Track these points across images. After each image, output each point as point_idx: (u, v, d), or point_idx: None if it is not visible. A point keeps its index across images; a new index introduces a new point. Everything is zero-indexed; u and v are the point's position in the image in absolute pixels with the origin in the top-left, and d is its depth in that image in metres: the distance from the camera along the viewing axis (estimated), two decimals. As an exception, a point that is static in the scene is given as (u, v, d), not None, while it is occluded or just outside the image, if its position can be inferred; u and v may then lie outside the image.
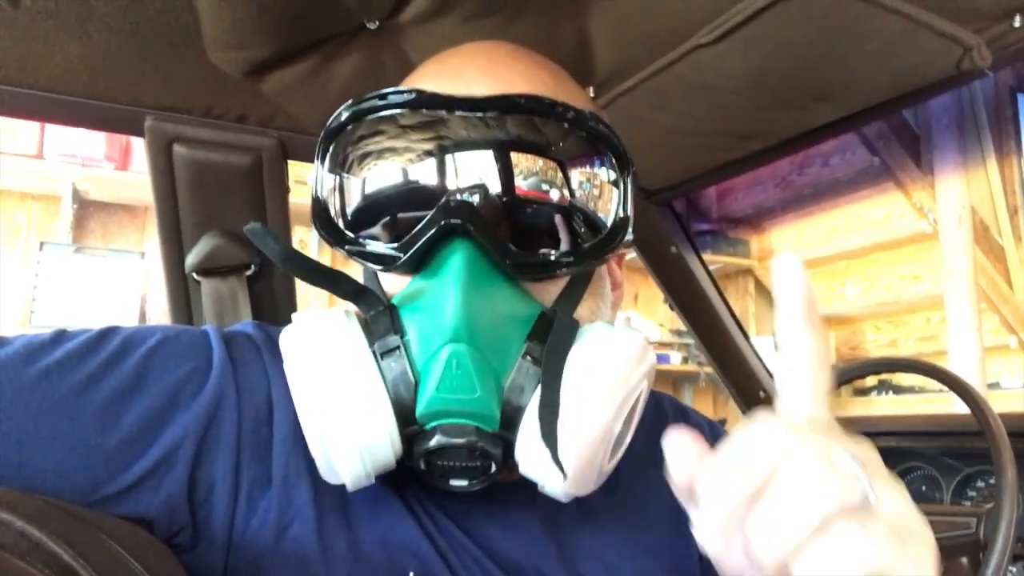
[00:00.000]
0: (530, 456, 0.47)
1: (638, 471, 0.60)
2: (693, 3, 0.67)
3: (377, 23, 0.69)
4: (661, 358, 3.04)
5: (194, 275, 0.91)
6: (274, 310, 0.94)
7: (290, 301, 0.96)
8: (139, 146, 2.24)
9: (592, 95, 0.82)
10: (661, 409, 0.67)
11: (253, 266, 0.92)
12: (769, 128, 0.87)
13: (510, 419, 0.47)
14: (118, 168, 2.31)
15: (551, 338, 0.49)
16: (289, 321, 0.50)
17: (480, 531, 0.53)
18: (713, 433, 0.68)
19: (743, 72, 0.73)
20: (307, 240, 2.57)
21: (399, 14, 0.67)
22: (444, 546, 0.52)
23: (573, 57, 0.75)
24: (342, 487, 0.51)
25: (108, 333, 0.50)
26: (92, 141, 2.24)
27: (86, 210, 2.44)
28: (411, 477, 0.53)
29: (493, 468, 0.48)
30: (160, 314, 2.30)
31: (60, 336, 0.48)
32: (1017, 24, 0.65)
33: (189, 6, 0.65)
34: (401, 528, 0.51)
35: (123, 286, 2.31)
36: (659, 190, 1.12)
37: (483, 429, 0.46)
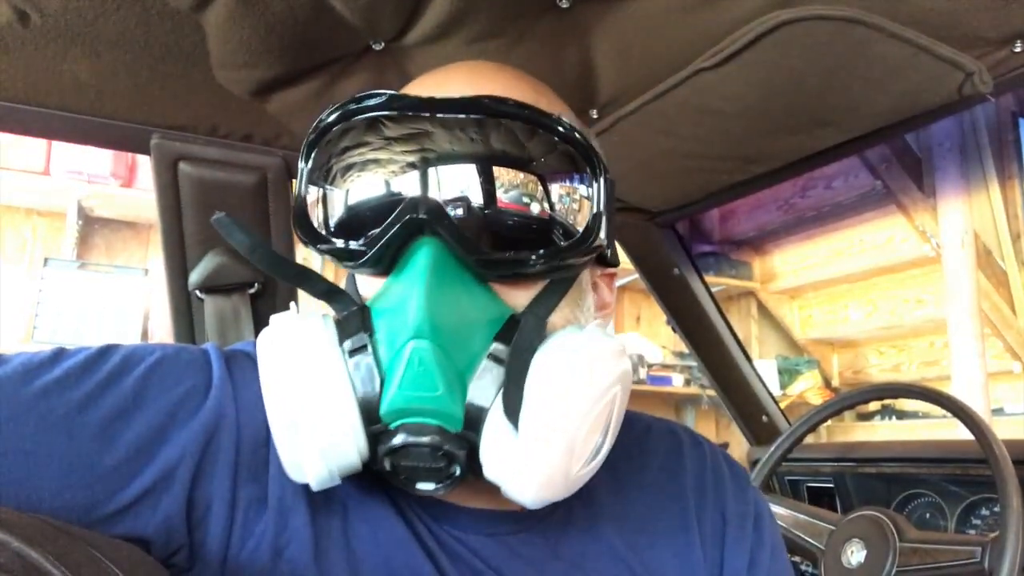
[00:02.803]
0: (494, 458, 0.46)
1: (652, 498, 0.59)
2: (695, 28, 0.67)
3: (383, 44, 0.69)
4: (663, 380, 3.02)
5: (197, 293, 0.91)
6: (276, 328, 0.94)
7: (292, 319, 0.96)
8: (145, 164, 2.26)
9: (595, 117, 0.83)
10: (676, 438, 0.65)
11: (256, 284, 0.93)
12: (771, 152, 0.87)
13: (474, 420, 0.46)
14: (124, 185, 2.32)
15: (517, 337, 0.48)
16: None
17: (487, 554, 0.52)
18: (732, 471, 0.65)
19: (745, 96, 0.74)
20: (310, 258, 2.57)
21: (404, 36, 0.68)
22: (448, 570, 0.51)
23: (576, 80, 0.76)
24: (342, 508, 0.50)
25: (107, 351, 0.49)
26: (98, 158, 2.24)
27: (91, 227, 2.44)
28: (415, 499, 0.52)
29: (457, 471, 0.47)
30: (163, 331, 2.29)
31: (59, 354, 0.48)
32: (1018, 49, 0.65)
33: (197, 26, 0.65)
34: (403, 552, 0.50)
35: (126, 303, 2.31)
36: (661, 212, 1.12)
37: (446, 429, 0.45)
